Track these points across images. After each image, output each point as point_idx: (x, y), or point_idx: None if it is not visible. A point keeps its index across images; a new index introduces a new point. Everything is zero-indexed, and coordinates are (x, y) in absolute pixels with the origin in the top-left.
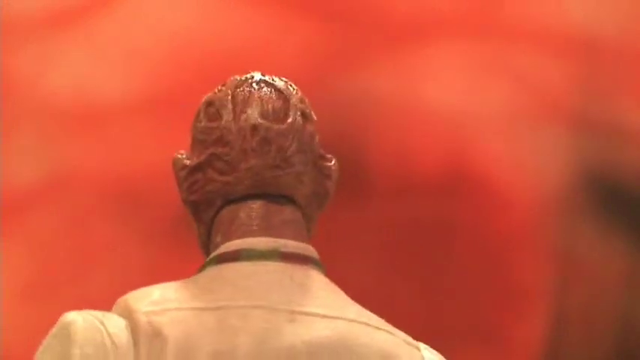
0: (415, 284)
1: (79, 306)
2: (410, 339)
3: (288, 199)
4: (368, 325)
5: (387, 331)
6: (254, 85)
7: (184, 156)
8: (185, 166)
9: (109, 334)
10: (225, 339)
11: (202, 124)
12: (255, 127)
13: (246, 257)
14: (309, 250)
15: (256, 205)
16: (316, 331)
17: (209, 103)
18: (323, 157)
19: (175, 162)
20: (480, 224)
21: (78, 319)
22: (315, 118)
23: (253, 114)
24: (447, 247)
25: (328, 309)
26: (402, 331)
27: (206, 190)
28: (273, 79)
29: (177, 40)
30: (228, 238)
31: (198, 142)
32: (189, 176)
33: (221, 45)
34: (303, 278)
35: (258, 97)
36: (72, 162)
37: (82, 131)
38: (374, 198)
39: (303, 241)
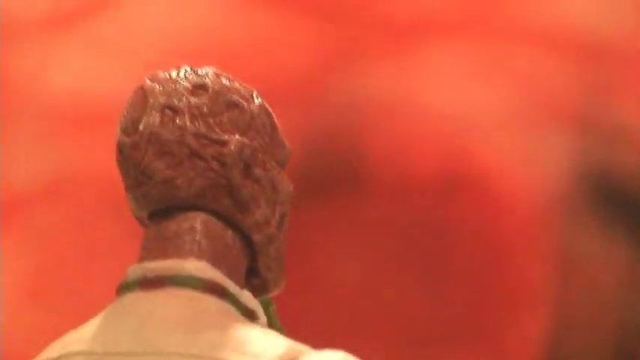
0: (415, 284)
1: (78, 305)
2: None
3: (180, 208)
4: (190, 356)
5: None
6: (134, 94)
7: None
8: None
9: None
10: None
11: None
12: (118, 147)
13: (121, 292)
14: (174, 267)
15: (150, 226)
16: None
17: None
18: (214, 143)
19: None
20: (480, 225)
21: None
22: (199, 101)
23: (118, 133)
24: (447, 247)
25: (147, 343)
26: (402, 331)
27: None
28: (155, 78)
29: (177, 40)
30: None
31: None
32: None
33: (221, 45)
34: (144, 308)
35: (125, 110)
36: (72, 162)
37: (82, 131)
38: (373, 198)
39: (184, 255)
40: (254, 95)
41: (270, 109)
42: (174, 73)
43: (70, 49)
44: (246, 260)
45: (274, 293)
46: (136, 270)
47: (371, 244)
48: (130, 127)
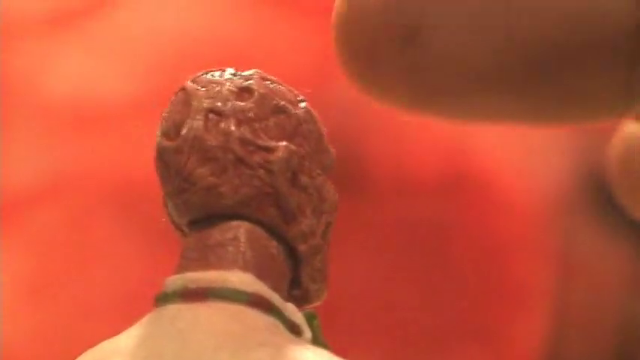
0: (414, 285)
1: (78, 306)
2: None
3: (223, 217)
4: None
5: None
6: (175, 96)
7: None
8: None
9: None
10: None
11: None
12: (158, 152)
13: (159, 303)
14: (218, 279)
15: (191, 235)
16: None
17: None
18: (261, 149)
19: None
20: (480, 225)
21: None
22: (245, 105)
23: (159, 136)
24: (447, 247)
25: (193, 359)
26: (401, 330)
27: None
28: (197, 80)
29: (177, 40)
30: None
31: None
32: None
33: (221, 45)
34: (187, 321)
35: (167, 113)
36: (72, 162)
37: (82, 131)
38: (372, 199)
39: (227, 266)
40: (300, 99)
41: (315, 114)
42: (217, 75)
43: (69, 49)
44: (289, 272)
45: (315, 304)
46: (176, 281)
47: (370, 244)
48: (172, 131)
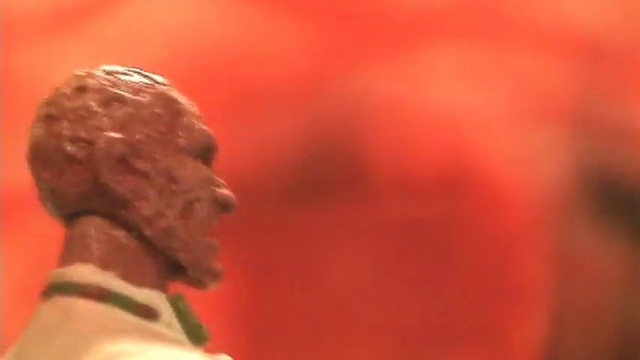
0: (415, 284)
1: None
2: None
3: (77, 214)
4: None
5: None
6: None
7: None
8: None
9: None
10: None
11: None
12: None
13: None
14: (61, 275)
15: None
16: None
17: None
18: (88, 144)
19: None
20: (480, 224)
21: None
22: (76, 104)
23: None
24: (447, 247)
25: (23, 355)
26: (402, 329)
27: None
28: (63, 90)
29: (178, 40)
30: None
31: None
32: None
33: (221, 45)
34: (36, 318)
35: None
36: None
37: None
38: (374, 198)
39: (72, 261)
40: (150, 85)
41: (174, 96)
42: (63, 81)
43: (71, 49)
44: (154, 257)
45: (211, 287)
46: (46, 280)
47: (373, 244)
48: (29, 141)
